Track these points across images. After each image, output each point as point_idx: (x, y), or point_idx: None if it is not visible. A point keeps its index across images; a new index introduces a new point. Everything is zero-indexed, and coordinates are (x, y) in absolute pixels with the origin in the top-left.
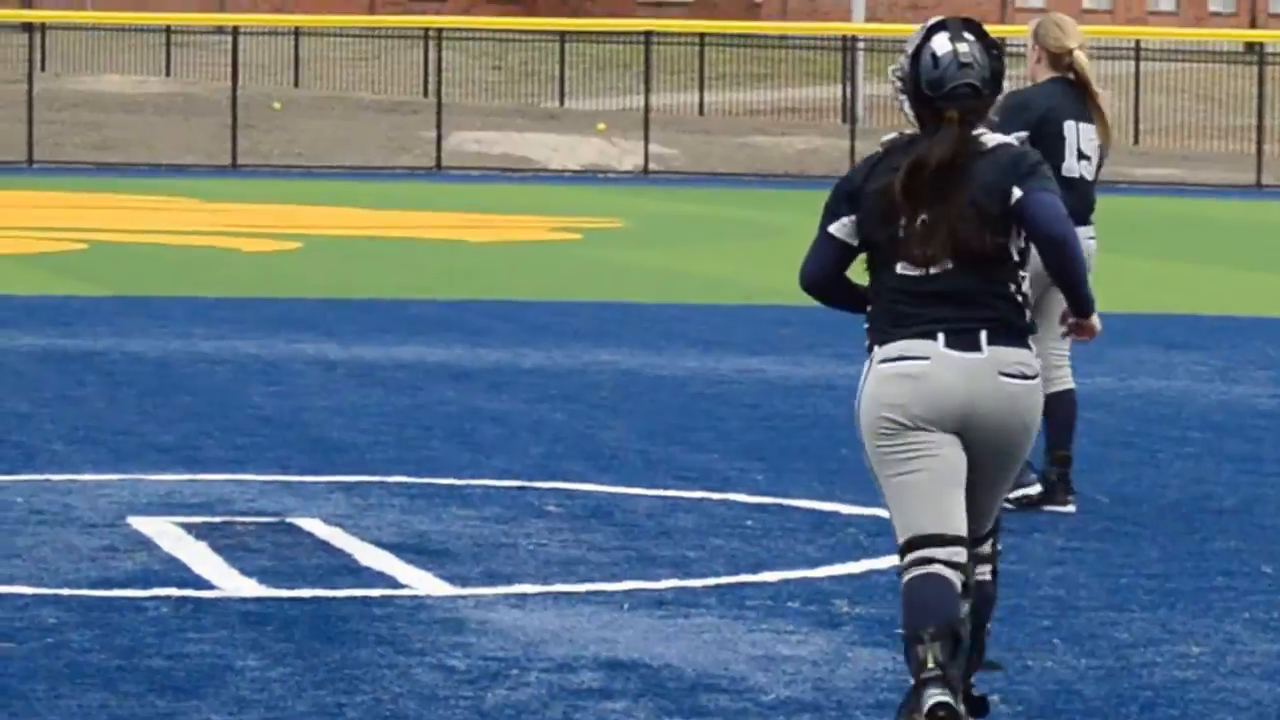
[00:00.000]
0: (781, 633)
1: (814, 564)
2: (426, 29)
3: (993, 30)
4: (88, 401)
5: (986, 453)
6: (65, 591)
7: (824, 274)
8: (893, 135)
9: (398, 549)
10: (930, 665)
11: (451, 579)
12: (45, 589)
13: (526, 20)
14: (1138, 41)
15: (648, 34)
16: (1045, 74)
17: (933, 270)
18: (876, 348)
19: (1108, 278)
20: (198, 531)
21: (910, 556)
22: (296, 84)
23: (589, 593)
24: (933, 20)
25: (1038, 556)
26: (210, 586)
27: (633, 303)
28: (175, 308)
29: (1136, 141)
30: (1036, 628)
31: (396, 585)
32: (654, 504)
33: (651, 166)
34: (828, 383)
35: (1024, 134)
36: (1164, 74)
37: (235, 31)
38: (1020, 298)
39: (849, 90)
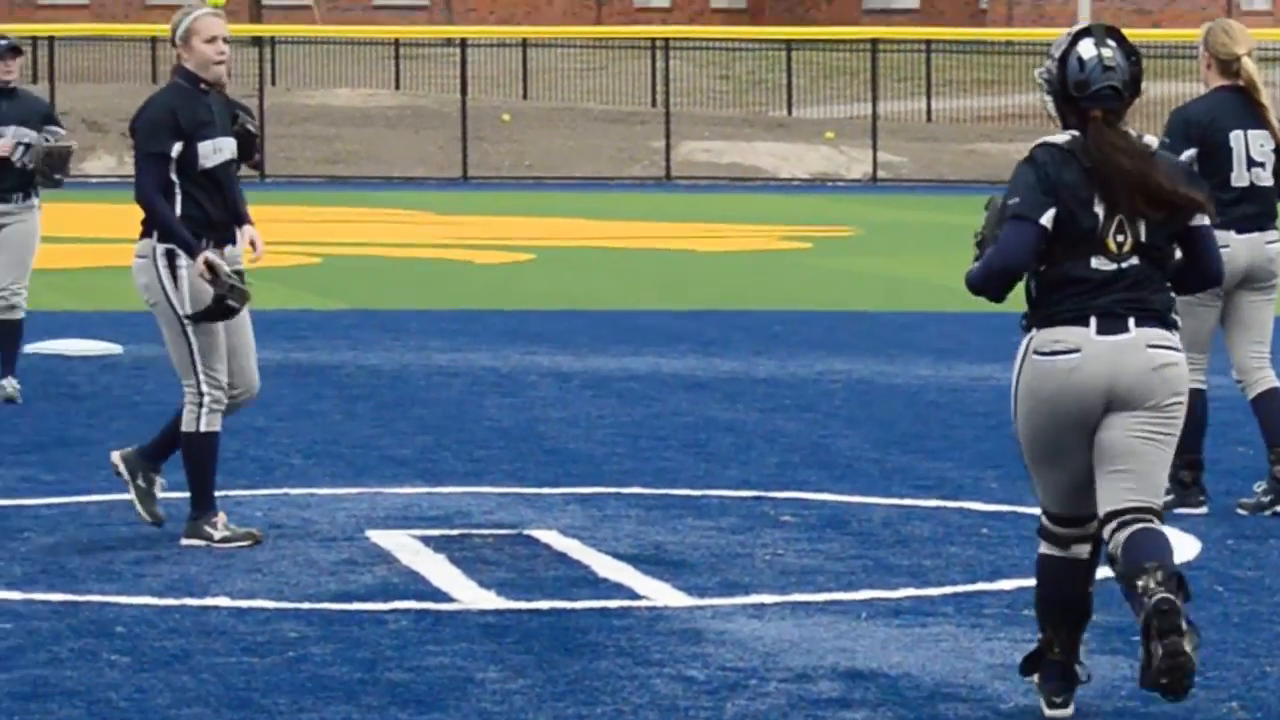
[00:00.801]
0: (1019, 641)
1: None
2: (654, 39)
3: None
4: (325, 415)
5: (1142, 417)
6: (306, 605)
7: (1028, 261)
8: (1066, 136)
9: (635, 560)
10: (1055, 650)
11: (689, 590)
12: (286, 603)
13: (753, 29)
14: None
15: (874, 41)
16: (1216, 80)
17: (1124, 264)
18: (1034, 332)
19: None
20: (436, 544)
21: (1051, 529)
22: (525, 96)
23: (826, 602)
24: (1078, 27)
25: (1274, 563)
26: (449, 599)
27: (865, 311)
28: (410, 321)
29: None
30: (1273, 633)
31: (634, 596)
32: (890, 513)
33: (880, 174)
34: None
35: (1192, 152)
36: None
37: (463, 44)
38: (1169, 289)
39: None
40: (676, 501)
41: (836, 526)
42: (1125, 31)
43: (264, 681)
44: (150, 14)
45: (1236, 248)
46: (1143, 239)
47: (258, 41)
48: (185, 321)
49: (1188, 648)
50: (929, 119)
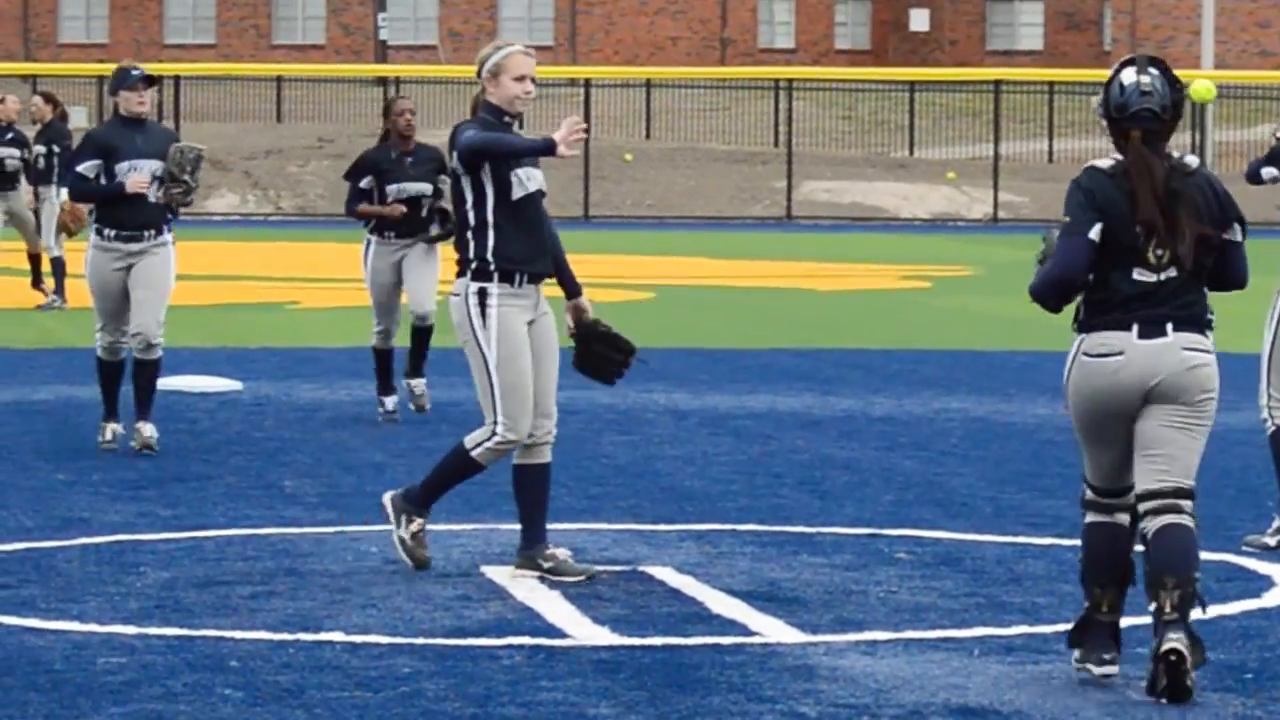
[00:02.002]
0: (1131, 679)
1: None
2: (777, 80)
3: None
4: (441, 452)
5: (1176, 410)
6: (420, 640)
7: (1083, 273)
8: (1111, 160)
9: (749, 596)
10: (1104, 609)
11: (802, 626)
12: (400, 638)
13: (876, 70)
14: None
15: (997, 83)
16: None
17: (1163, 276)
18: (1084, 335)
19: None
20: (551, 580)
21: (1092, 498)
22: (648, 135)
23: (939, 639)
24: (1125, 57)
25: None
26: (563, 635)
27: (982, 350)
28: None
29: None
30: None
31: (748, 633)
32: (1004, 550)
33: (1001, 214)
34: None
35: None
36: None
37: (587, 84)
38: (1205, 297)
39: (1198, 137)
40: (791, 538)
41: (950, 564)
42: (1247, 74)
43: (377, 716)
44: (274, 54)
45: None
46: (1187, 249)
47: (382, 82)
48: (489, 361)
49: (1189, 685)
50: (1050, 160)
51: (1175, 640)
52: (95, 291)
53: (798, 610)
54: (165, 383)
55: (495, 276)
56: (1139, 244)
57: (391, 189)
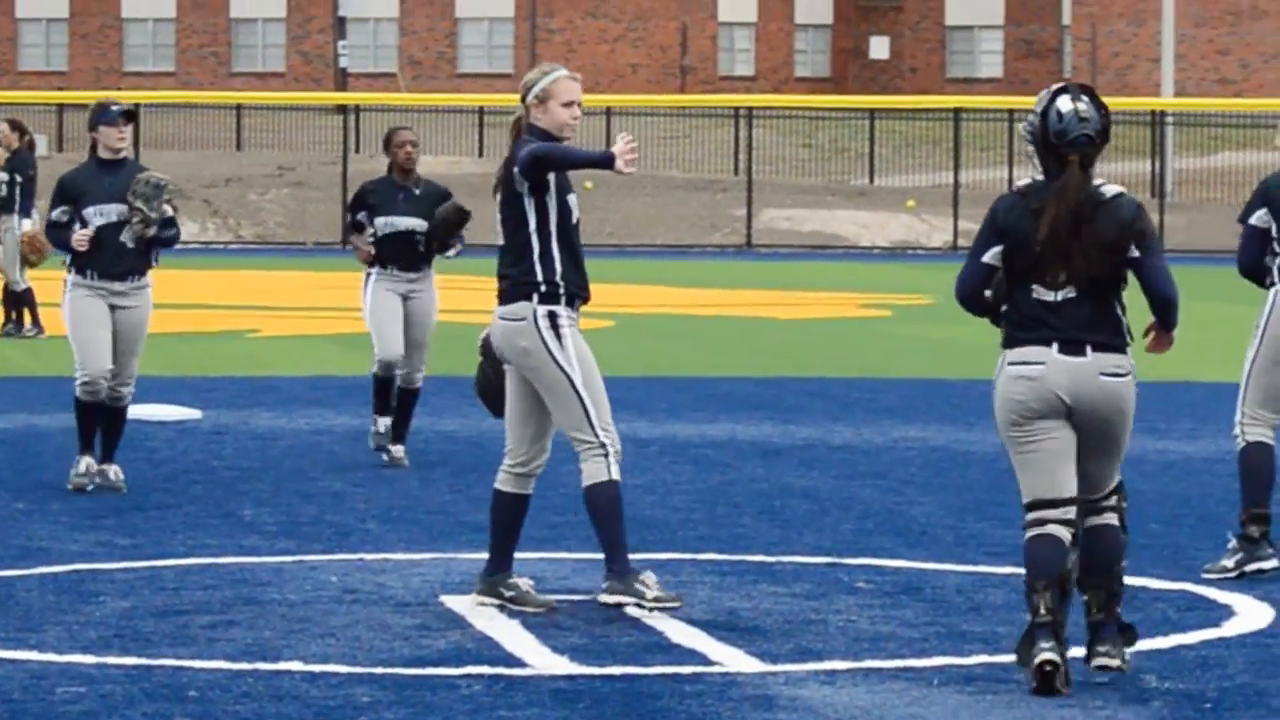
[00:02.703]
0: (1090, 708)
1: None
2: (737, 108)
3: None
4: (401, 481)
5: (1093, 433)
6: (379, 670)
7: (976, 292)
8: (1027, 181)
9: (708, 626)
10: (1042, 612)
11: (762, 656)
12: (360, 667)
13: (836, 98)
14: None
15: (957, 111)
16: None
17: (1059, 296)
18: (1006, 350)
19: None
20: (510, 609)
21: (1030, 516)
22: None
23: (899, 669)
24: (1055, 86)
25: None
26: (522, 664)
27: (942, 379)
28: None
29: None
30: None
31: (707, 662)
32: (964, 580)
33: (961, 243)
34: (1139, 457)
35: (1263, 210)
36: None
37: None
38: (1120, 315)
39: (1158, 165)
40: (751, 567)
41: (910, 593)
42: (1208, 101)
43: None
44: (234, 81)
45: None
46: (1080, 271)
47: (342, 110)
48: (575, 382)
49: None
50: (1010, 188)
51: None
52: (75, 323)
53: (757, 639)
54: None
55: (563, 299)
56: (1037, 263)
57: (380, 222)
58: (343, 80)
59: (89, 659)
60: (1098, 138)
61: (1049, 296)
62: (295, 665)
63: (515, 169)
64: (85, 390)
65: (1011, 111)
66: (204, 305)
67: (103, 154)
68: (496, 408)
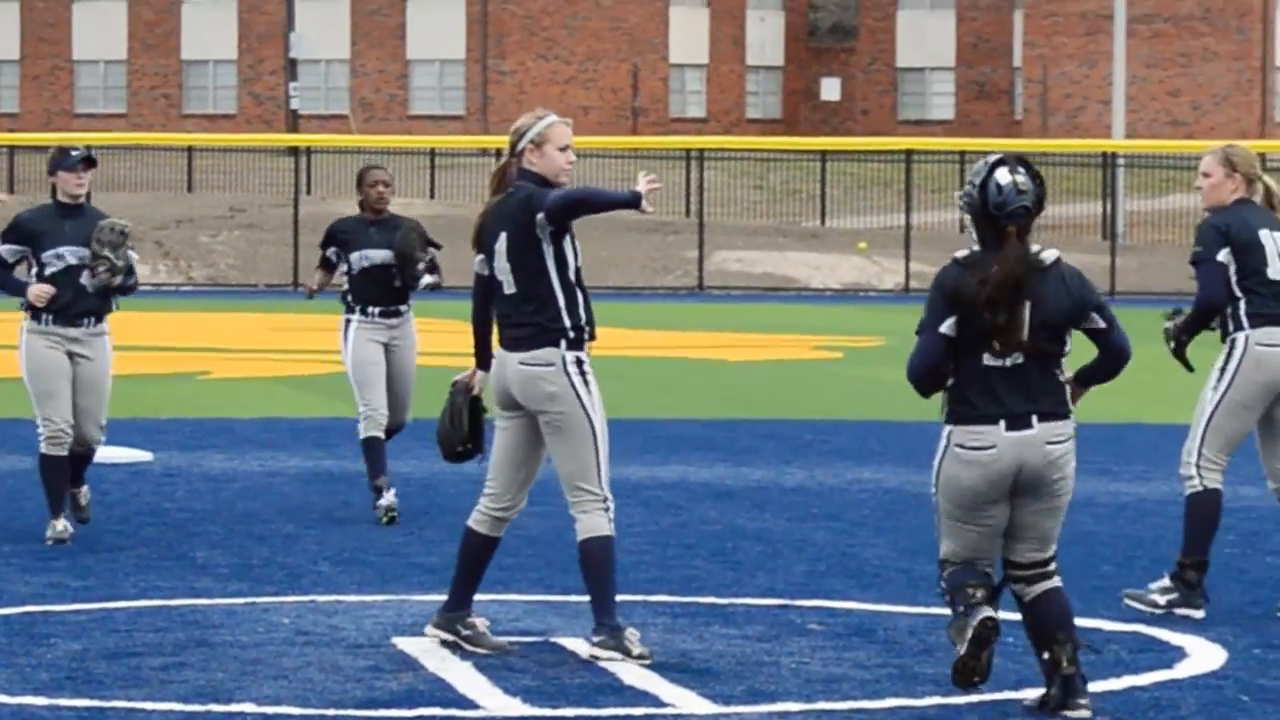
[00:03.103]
0: None
1: None
2: (688, 149)
3: (1253, 145)
4: (354, 523)
5: (1042, 495)
6: (331, 711)
7: (939, 362)
8: (966, 252)
9: (661, 667)
10: (978, 596)
11: (714, 697)
12: (312, 709)
13: (788, 140)
14: None
15: (908, 152)
16: (1234, 196)
17: (1008, 362)
18: (953, 427)
19: None
20: (462, 651)
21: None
22: None
23: (851, 710)
24: (994, 157)
25: None
26: (475, 706)
27: (895, 421)
28: None
29: None
30: None
31: (659, 704)
32: (916, 621)
33: (913, 285)
34: (1091, 499)
35: (1226, 249)
36: None
37: (499, 153)
38: (1062, 381)
39: (1109, 207)
40: (703, 609)
41: (863, 635)
42: (1159, 142)
43: None
44: (185, 123)
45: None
46: (1027, 339)
47: (294, 151)
48: (596, 433)
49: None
50: (962, 230)
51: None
52: (35, 375)
53: (709, 681)
54: None
55: (585, 344)
56: (986, 331)
57: (354, 257)
58: (294, 122)
59: (41, 700)
60: (1034, 208)
61: (998, 363)
62: (248, 707)
63: (540, 214)
64: (51, 444)
65: (963, 153)
66: (155, 347)
67: (62, 198)
68: (450, 454)
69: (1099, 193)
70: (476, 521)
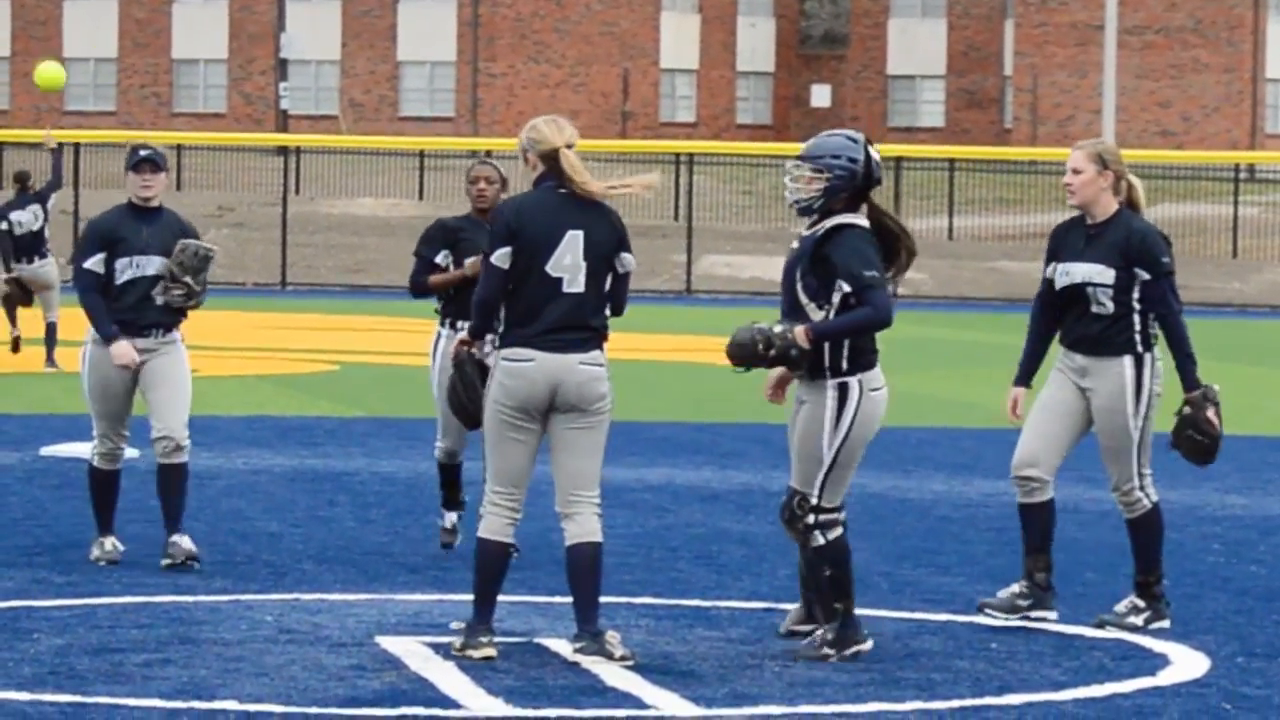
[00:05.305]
0: None
1: (1058, 687)
2: (678, 154)
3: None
4: (338, 522)
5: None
6: (314, 710)
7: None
8: (860, 218)
9: (644, 669)
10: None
11: (697, 700)
12: (294, 707)
13: (777, 145)
14: None
15: (898, 159)
16: (1104, 193)
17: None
18: (865, 373)
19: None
20: (446, 651)
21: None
22: None
23: (834, 714)
24: (861, 135)
25: None
26: (457, 706)
27: (881, 426)
28: (426, 429)
29: None
30: None
31: (642, 705)
32: (900, 626)
33: (901, 291)
34: (1074, 506)
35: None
36: None
37: (488, 155)
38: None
39: None
40: (687, 612)
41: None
42: (1149, 153)
43: None
44: (175, 122)
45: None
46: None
47: (283, 151)
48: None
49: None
50: (951, 236)
51: None
52: (95, 393)
53: (692, 683)
54: (61, 449)
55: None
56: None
57: (470, 263)
58: (284, 122)
59: (23, 696)
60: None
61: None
62: (230, 704)
63: (627, 260)
64: (103, 456)
65: (952, 161)
66: None
67: (133, 199)
68: (477, 423)
69: None
70: (496, 531)
